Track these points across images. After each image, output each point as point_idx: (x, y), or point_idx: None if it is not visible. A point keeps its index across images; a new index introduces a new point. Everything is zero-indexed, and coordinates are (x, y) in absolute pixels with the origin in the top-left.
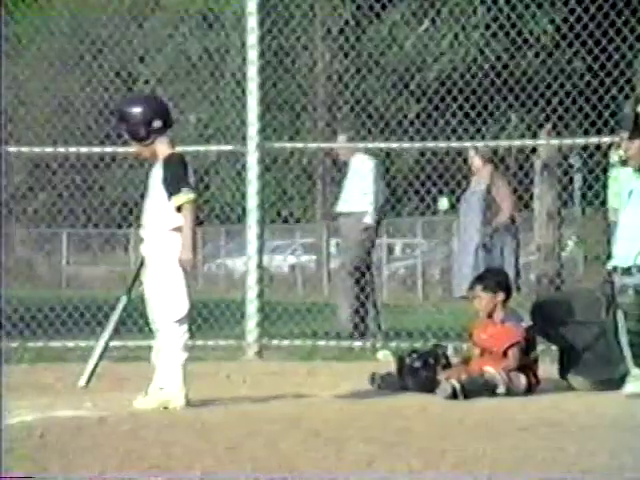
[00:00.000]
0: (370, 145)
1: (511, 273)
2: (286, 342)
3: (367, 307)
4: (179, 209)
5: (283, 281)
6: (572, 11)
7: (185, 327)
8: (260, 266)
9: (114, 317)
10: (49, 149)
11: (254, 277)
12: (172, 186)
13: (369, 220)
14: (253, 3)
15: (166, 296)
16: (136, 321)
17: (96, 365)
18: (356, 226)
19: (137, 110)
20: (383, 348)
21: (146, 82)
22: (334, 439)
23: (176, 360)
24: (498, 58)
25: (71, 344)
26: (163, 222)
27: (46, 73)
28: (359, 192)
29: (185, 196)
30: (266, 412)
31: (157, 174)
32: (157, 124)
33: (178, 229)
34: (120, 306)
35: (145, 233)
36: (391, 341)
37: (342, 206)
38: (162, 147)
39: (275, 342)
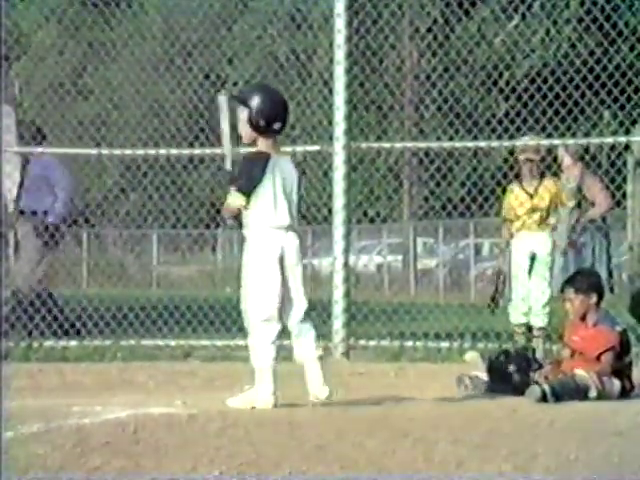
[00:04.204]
0: (457, 144)
1: (603, 274)
2: (373, 342)
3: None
4: None
5: (370, 281)
6: None
7: (273, 327)
8: (346, 266)
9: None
10: (140, 151)
11: (340, 277)
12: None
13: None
14: (341, 4)
15: (255, 295)
16: (224, 321)
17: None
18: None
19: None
20: (471, 349)
21: (234, 84)
22: (422, 440)
23: (264, 360)
24: (591, 53)
25: (161, 343)
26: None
27: (138, 77)
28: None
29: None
30: (354, 412)
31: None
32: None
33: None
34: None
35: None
36: (479, 342)
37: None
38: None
39: (362, 342)
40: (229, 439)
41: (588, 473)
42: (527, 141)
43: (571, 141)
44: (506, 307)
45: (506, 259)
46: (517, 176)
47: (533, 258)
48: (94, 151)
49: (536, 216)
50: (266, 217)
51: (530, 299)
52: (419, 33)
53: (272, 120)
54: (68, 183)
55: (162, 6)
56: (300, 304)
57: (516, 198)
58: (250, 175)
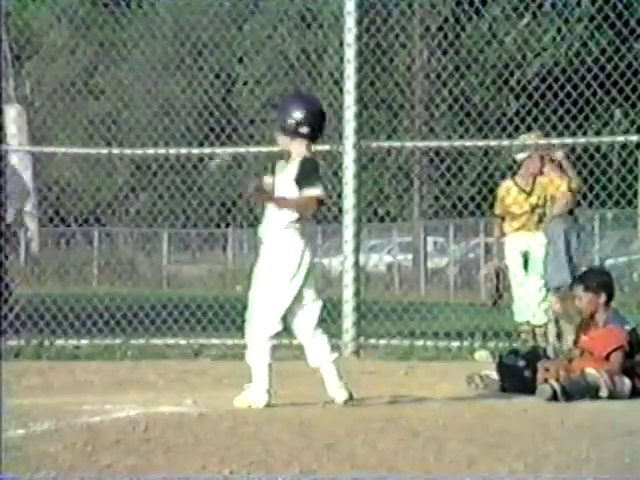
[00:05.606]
0: (468, 143)
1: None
2: (383, 341)
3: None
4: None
5: (380, 280)
6: None
7: (272, 327)
8: (357, 265)
9: None
10: (150, 150)
11: (351, 276)
12: (305, 181)
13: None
14: (351, 2)
15: (264, 298)
16: (234, 320)
17: None
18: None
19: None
20: (481, 348)
21: (245, 83)
22: (433, 439)
23: (260, 359)
24: (602, 51)
25: (171, 341)
26: (286, 218)
27: (148, 77)
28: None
29: (315, 190)
30: (364, 411)
31: (289, 172)
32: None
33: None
34: None
35: (264, 231)
36: (489, 341)
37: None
38: (301, 148)
39: (372, 341)
40: (239, 438)
41: (599, 472)
42: (533, 139)
43: (582, 139)
44: (511, 305)
45: (503, 257)
46: (513, 174)
47: (526, 255)
48: (105, 150)
49: (536, 215)
50: (266, 216)
51: (528, 297)
52: (430, 32)
53: (298, 124)
54: (20, 190)
55: (173, 6)
56: (308, 309)
57: (510, 194)
58: (318, 176)
